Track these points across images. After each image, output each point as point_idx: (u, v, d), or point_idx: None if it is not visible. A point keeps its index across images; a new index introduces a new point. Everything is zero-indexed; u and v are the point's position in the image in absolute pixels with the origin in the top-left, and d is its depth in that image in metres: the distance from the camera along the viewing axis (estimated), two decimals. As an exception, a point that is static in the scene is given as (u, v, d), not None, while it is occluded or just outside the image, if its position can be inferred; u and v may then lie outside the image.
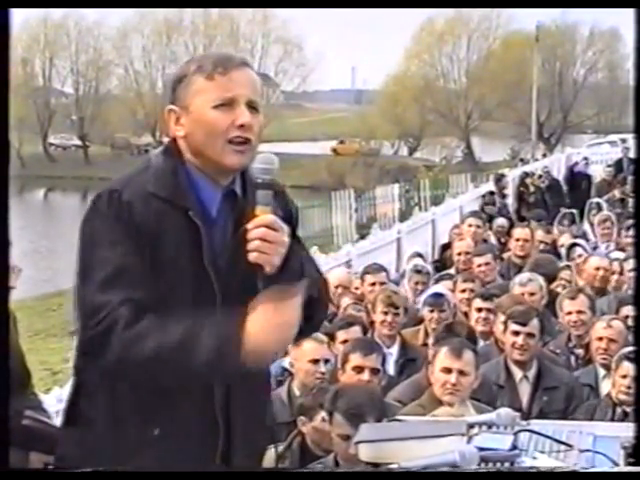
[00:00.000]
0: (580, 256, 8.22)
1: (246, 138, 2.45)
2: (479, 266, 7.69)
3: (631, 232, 8.99)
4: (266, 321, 2.26)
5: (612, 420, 4.77)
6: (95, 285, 2.38)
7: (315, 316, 2.59)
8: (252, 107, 2.47)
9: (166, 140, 2.67)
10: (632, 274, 7.28)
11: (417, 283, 7.45)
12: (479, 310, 6.15)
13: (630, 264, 7.44)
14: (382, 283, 7.03)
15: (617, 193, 13.44)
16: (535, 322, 5.38)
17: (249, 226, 2.40)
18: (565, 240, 9.24)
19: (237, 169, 2.50)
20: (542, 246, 8.93)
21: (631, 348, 5.00)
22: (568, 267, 7.74)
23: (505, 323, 5.47)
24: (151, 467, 2.28)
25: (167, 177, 2.48)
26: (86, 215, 2.48)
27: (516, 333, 5.32)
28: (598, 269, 7.42)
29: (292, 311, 2.29)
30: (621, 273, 7.51)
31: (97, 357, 2.36)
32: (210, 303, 2.44)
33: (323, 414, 4.17)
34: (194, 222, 2.44)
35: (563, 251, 8.87)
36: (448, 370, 4.49)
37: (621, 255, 8.09)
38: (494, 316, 5.98)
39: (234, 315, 2.29)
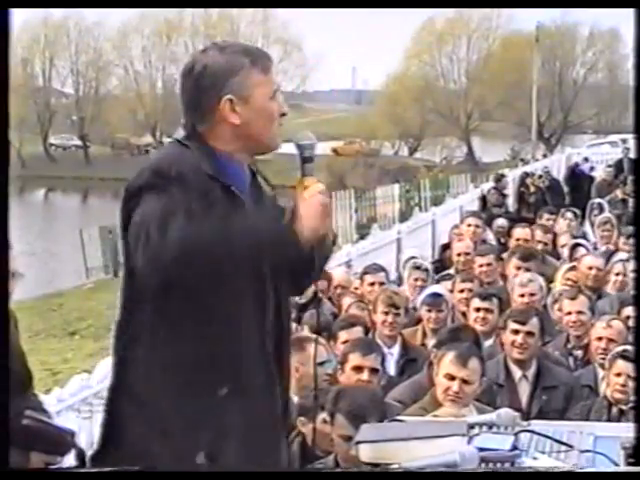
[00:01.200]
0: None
1: (281, 124, 2.79)
2: (480, 266, 7.67)
3: (631, 234, 9.00)
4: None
5: (608, 419, 4.76)
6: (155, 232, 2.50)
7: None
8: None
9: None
10: (632, 275, 7.29)
11: (417, 279, 7.43)
12: (477, 310, 6.15)
13: (631, 265, 7.44)
14: (381, 283, 7.04)
15: (619, 193, 13.42)
16: (534, 321, 5.38)
17: (306, 194, 2.67)
18: (566, 240, 9.21)
19: (276, 149, 2.83)
20: (541, 246, 8.91)
21: (625, 346, 5.01)
22: (574, 268, 7.70)
23: (505, 322, 5.47)
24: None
25: (209, 157, 2.69)
26: (130, 193, 2.61)
27: (515, 332, 5.32)
28: (591, 268, 7.40)
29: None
30: (624, 274, 7.50)
31: (159, 260, 2.46)
32: (257, 275, 2.65)
33: (323, 415, 4.17)
34: (237, 196, 2.67)
35: (565, 251, 8.84)
36: (452, 377, 4.44)
37: (623, 256, 8.07)
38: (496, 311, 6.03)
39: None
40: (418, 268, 7.60)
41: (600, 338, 5.55)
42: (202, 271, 2.49)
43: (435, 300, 6.29)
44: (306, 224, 2.63)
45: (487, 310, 6.10)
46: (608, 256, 8.26)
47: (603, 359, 5.38)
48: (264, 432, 2.71)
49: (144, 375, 2.66)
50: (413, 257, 9.21)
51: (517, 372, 5.29)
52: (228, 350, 2.64)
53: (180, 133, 2.76)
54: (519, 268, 7.33)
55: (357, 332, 5.46)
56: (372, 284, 7.06)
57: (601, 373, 5.40)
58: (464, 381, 4.43)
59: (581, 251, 8.43)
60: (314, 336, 5.25)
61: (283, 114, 2.77)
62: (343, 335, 5.45)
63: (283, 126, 2.81)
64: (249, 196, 2.74)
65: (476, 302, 6.19)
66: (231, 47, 2.75)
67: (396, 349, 5.94)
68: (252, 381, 2.69)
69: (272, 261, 2.65)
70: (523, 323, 5.33)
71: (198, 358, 2.62)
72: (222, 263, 2.51)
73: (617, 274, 7.53)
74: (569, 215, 10.47)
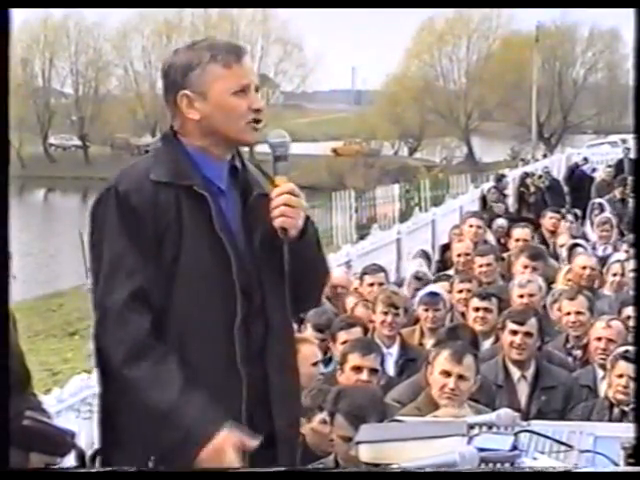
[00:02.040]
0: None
1: (259, 119, 2.71)
2: (480, 266, 7.67)
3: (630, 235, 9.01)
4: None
5: (610, 420, 4.76)
6: (102, 282, 2.58)
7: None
8: (256, 90, 2.73)
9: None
10: (632, 275, 7.29)
11: (417, 290, 7.40)
12: (476, 310, 6.15)
13: (629, 265, 7.44)
14: (380, 284, 7.03)
15: (617, 193, 13.41)
16: (533, 321, 5.38)
17: (273, 194, 2.66)
18: (564, 240, 9.22)
19: (253, 144, 2.80)
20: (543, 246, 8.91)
21: (627, 347, 5.00)
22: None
23: (503, 322, 5.47)
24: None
25: (167, 162, 2.68)
26: (91, 217, 2.65)
27: (514, 332, 5.32)
28: (585, 268, 7.40)
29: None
30: (622, 274, 7.49)
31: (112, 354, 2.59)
32: (224, 267, 2.63)
33: (322, 415, 4.17)
34: (200, 194, 2.63)
35: (563, 252, 8.84)
36: (447, 374, 4.46)
37: (621, 256, 8.07)
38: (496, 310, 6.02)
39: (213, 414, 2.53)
40: (419, 279, 7.59)
41: (599, 338, 5.55)
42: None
43: (432, 299, 6.30)
44: (275, 224, 2.64)
45: (486, 310, 6.11)
46: (606, 257, 8.27)
47: (602, 359, 5.38)
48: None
49: None
50: (423, 251, 9.26)
51: (516, 372, 5.29)
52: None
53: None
54: (526, 267, 7.34)
55: (356, 332, 5.46)
56: (371, 284, 7.06)
57: (600, 373, 5.40)
58: (460, 377, 4.45)
59: (579, 251, 8.43)
60: (309, 336, 5.30)
61: (257, 109, 2.69)
62: (342, 336, 5.45)
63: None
64: (228, 190, 2.72)
65: (475, 302, 6.19)
66: (199, 44, 2.75)
67: (395, 349, 5.94)
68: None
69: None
70: (521, 323, 5.33)
71: None
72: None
73: (614, 274, 7.53)
74: (570, 217, 10.49)
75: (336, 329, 5.54)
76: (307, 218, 2.72)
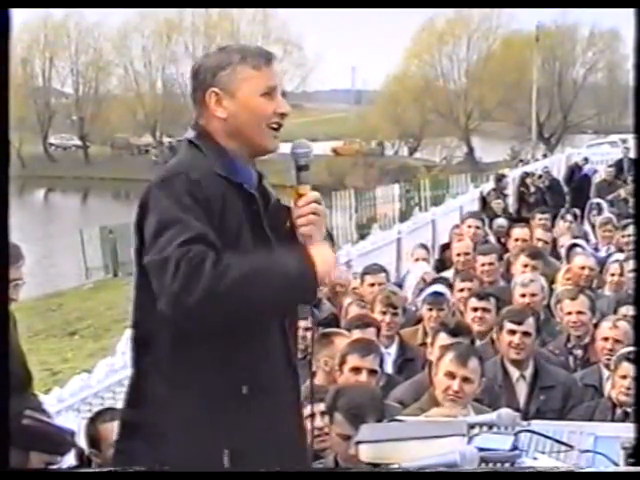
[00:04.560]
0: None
1: (281, 124, 2.77)
2: (482, 265, 7.65)
3: (629, 232, 9.00)
4: (325, 255, 2.68)
5: (612, 421, 4.75)
6: (175, 238, 2.52)
7: None
8: (283, 96, 2.79)
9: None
10: (631, 275, 7.29)
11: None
12: (475, 309, 6.14)
13: (628, 265, 7.43)
14: (381, 284, 7.02)
15: (622, 192, 13.40)
16: (531, 321, 5.37)
17: (300, 203, 2.73)
18: (565, 240, 9.21)
19: (273, 151, 2.80)
20: (541, 244, 8.90)
21: (631, 348, 5.00)
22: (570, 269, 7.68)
23: (501, 322, 5.46)
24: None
25: (219, 155, 2.73)
26: (150, 196, 2.62)
27: (512, 332, 5.31)
28: (583, 268, 7.39)
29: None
30: (620, 274, 7.49)
31: (183, 298, 2.46)
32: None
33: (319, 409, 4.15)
34: (250, 193, 2.71)
35: (563, 252, 8.84)
36: (452, 376, 4.43)
37: (620, 256, 8.07)
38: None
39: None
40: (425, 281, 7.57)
41: (606, 338, 5.52)
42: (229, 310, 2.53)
43: (436, 299, 6.30)
44: (302, 231, 2.72)
45: (484, 310, 6.09)
46: (605, 257, 8.26)
47: (608, 359, 5.35)
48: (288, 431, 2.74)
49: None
50: (422, 244, 9.26)
51: (515, 372, 5.29)
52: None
53: (190, 133, 2.79)
54: (526, 266, 7.32)
55: (370, 333, 5.42)
56: (372, 285, 7.05)
57: (606, 374, 5.38)
58: (464, 380, 4.42)
59: (578, 251, 8.43)
60: (341, 330, 5.31)
61: (283, 114, 2.75)
62: (357, 334, 5.39)
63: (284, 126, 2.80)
64: (259, 195, 2.76)
65: (473, 302, 6.18)
66: (230, 47, 2.82)
67: (394, 349, 5.94)
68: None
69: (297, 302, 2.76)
70: (519, 323, 5.32)
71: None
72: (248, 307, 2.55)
73: (612, 274, 7.53)
74: (569, 217, 10.47)
75: (351, 327, 5.49)
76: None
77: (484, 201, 14.35)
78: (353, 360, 4.75)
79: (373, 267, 7.56)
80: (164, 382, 2.64)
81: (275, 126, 2.75)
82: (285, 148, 2.79)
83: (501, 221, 10.90)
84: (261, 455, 2.62)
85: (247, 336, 2.63)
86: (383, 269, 7.54)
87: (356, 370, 4.73)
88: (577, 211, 11.73)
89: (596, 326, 5.79)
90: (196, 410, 2.61)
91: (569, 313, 6.08)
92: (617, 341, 5.46)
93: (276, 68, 2.79)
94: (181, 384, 2.62)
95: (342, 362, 4.80)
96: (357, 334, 5.35)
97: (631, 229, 9.21)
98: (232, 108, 2.72)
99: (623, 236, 9.22)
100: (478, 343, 5.89)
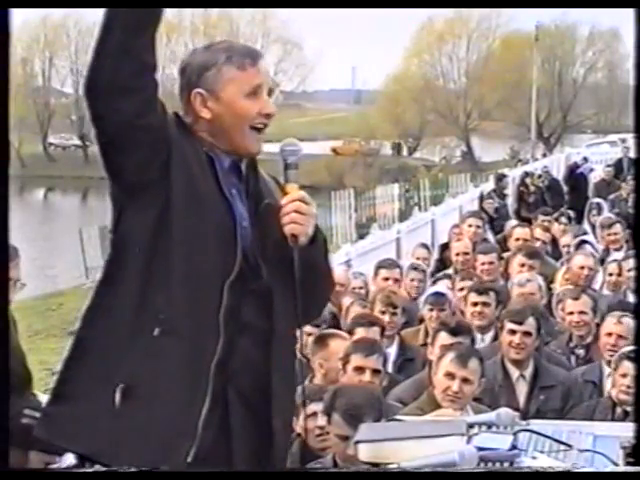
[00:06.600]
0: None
1: (266, 125, 2.73)
2: (483, 264, 7.65)
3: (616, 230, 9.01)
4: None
5: (612, 420, 4.75)
6: None
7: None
8: (269, 95, 2.74)
9: None
10: (629, 274, 7.29)
11: (413, 280, 7.43)
12: (474, 304, 6.14)
13: (628, 264, 7.43)
14: (396, 280, 7.03)
15: (624, 192, 13.38)
16: (531, 320, 5.36)
17: (283, 201, 2.67)
18: (569, 240, 9.17)
19: (255, 154, 2.76)
20: (540, 244, 8.90)
21: (631, 347, 5.00)
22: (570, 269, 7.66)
23: (502, 322, 5.46)
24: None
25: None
26: None
27: (512, 332, 5.31)
28: (583, 268, 7.38)
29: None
30: (618, 274, 7.49)
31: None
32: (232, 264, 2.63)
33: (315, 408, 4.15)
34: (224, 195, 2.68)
35: (572, 250, 8.80)
36: (452, 376, 4.43)
37: (618, 256, 8.06)
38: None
39: None
40: (415, 269, 7.60)
41: (610, 334, 5.52)
42: None
43: (438, 299, 6.29)
44: (285, 230, 2.66)
45: (484, 304, 6.09)
46: (604, 257, 8.26)
47: (611, 355, 5.34)
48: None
49: None
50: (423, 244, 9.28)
51: (515, 372, 5.29)
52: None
53: None
54: (523, 265, 7.32)
55: (374, 332, 5.41)
56: (387, 279, 7.06)
57: (607, 370, 5.37)
58: (464, 380, 4.42)
59: (587, 248, 8.39)
60: (337, 332, 5.28)
61: (268, 114, 2.72)
62: (361, 332, 5.38)
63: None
64: (237, 195, 2.72)
65: (473, 296, 6.17)
66: (216, 45, 2.78)
67: (394, 349, 5.94)
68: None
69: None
70: (520, 323, 5.32)
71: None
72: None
73: (610, 274, 7.53)
74: (563, 220, 10.47)
75: (355, 326, 5.49)
76: (317, 227, 2.73)
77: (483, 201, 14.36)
78: (357, 359, 4.74)
79: (389, 262, 7.55)
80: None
81: (260, 126, 2.72)
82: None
83: (512, 223, 10.88)
84: (150, 397, 2.55)
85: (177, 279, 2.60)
86: (397, 264, 7.52)
87: (360, 369, 4.73)
88: (571, 213, 11.70)
89: (599, 324, 5.79)
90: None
91: (571, 313, 6.07)
92: (621, 337, 5.45)
93: (263, 67, 2.74)
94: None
95: (345, 361, 4.80)
96: (361, 333, 5.34)
97: (618, 227, 9.25)
98: (216, 109, 2.70)
99: (609, 234, 9.22)
100: (486, 343, 5.89)
